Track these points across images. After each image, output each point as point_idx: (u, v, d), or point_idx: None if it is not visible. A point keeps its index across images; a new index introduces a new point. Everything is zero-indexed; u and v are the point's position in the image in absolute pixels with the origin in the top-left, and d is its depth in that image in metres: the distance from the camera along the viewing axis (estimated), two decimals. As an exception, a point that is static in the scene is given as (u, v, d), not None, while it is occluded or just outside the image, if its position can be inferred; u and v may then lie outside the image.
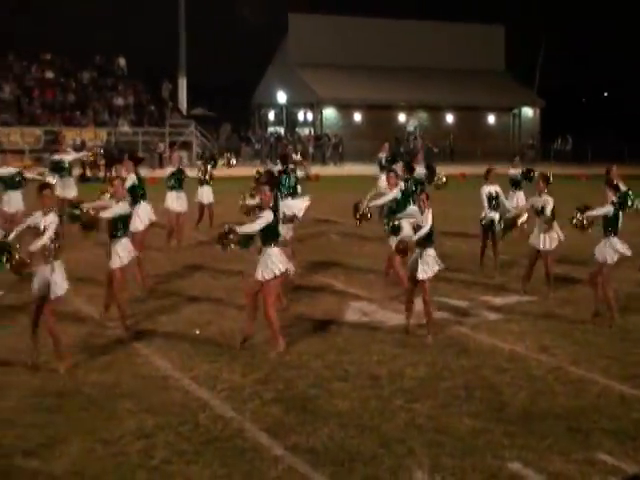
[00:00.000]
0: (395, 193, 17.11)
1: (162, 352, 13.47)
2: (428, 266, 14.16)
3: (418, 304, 14.71)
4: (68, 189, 23.44)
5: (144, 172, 20.25)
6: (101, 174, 41.43)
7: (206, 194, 24.62)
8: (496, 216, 18.85)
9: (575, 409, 11.30)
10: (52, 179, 21.85)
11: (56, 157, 24.31)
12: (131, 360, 13.13)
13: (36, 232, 12.23)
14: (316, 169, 23.80)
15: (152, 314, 15.65)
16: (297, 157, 15.46)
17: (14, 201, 20.78)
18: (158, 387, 11.94)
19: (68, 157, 24.28)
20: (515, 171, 24.44)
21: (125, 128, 52.51)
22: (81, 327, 14.49)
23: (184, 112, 56.61)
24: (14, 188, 20.73)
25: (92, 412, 10.99)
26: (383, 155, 28.31)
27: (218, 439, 10.21)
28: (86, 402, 11.32)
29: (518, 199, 23.29)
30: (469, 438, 10.26)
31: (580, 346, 14.20)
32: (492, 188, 19.19)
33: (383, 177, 24.27)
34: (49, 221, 12.23)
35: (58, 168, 23.70)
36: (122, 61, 59.39)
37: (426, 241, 14.19)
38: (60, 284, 12.35)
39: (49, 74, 57.15)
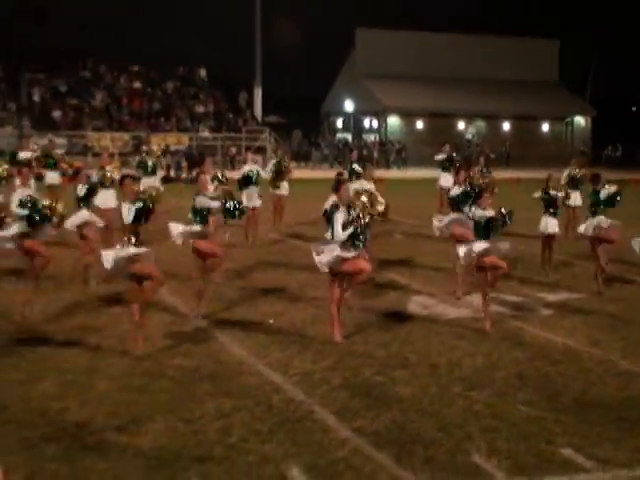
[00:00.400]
0: (458, 190, 16.92)
1: (239, 340, 13.56)
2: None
3: (477, 298, 14.65)
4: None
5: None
6: (183, 175, 41.93)
7: (284, 188, 24.38)
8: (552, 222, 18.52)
9: (624, 400, 11.18)
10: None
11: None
12: (210, 347, 13.24)
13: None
14: (381, 173, 23.77)
15: (230, 305, 15.75)
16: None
17: (108, 199, 20.76)
18: (235, 372, 12.03)
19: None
20: (574, 171, 24.13)
21: (205, 134, 52.83)
22: (165, 316, 14.62)
23: (259, 119, 56.79)
24: (106, 187, 20.77)
25: (175, 393, 11.11)
26: (442, 156, 27.70)
27: (290, 420, 10.26)
28: (169, 384, 11.45)
29: (575, 199, 23.05)
30: (523, 424, 10.19)
31: (628, 341, 14.03)
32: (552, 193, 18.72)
33: (443, 176, 24.16)
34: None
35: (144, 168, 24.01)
36: (203, 72, 59.80)
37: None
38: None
39: (137, 84, 57.72)
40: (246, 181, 22.16)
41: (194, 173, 41.61)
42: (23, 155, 22.36)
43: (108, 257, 12.46)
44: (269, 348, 13.11)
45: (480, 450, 9.43)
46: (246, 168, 22.70)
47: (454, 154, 28.68)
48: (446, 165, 26.40)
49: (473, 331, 14.34)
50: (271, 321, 14.63)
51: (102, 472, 8.76)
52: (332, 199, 14.76)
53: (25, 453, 9.03)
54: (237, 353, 12.90)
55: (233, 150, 50.34)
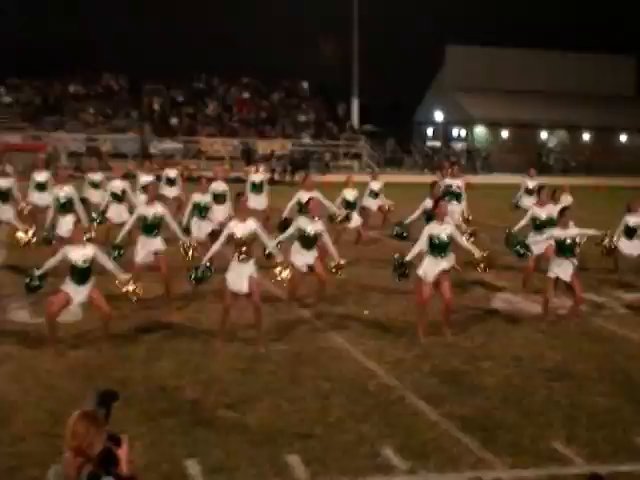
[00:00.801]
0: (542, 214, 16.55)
1: (338, 329, 13.61)
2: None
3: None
4: (260, 200, 22.85)
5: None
6: (288, 178, 42.16)
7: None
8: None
9: (698, 393, 10.96)
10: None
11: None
12: (312, 334, 13.34)
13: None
14: (468, 178, 23.62)
15: (330, 297, 15.77)
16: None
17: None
18: (334, 358, 12.08)
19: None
20: None
21: (307, 140, 53.06)
22: (271, 306, 14.74)
23: (356, 128, 56.82)
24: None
25: (279, 375, 11.21)
26: (529, 182, 26.00)
27: (383, 404, 10.28)
28: (275, 367, 11.56)
29: None
30: (601, 414, 10.04)
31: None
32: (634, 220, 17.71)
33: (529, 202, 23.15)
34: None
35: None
36: (305, 84, 60.12)
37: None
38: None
39: (246, 94, 58.25)
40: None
41: (296, 176, 42.06)
42: (144, 179, 21.85)
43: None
44: (364, 337, 13.15)
45: (560, 437, 9.33)
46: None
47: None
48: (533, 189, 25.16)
49: (554, 326, 14.14)
50: (366, 312, 14.65)
51: (213, 445, 8.89)
52: (427, 203, 14.71)
53: (146, 425, 9.22)
54: (336, 341, 12.96)
55: (327, 156, 50.49)
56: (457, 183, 20.27)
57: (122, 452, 5.09)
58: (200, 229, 17.40)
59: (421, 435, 9.35)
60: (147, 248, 14.56)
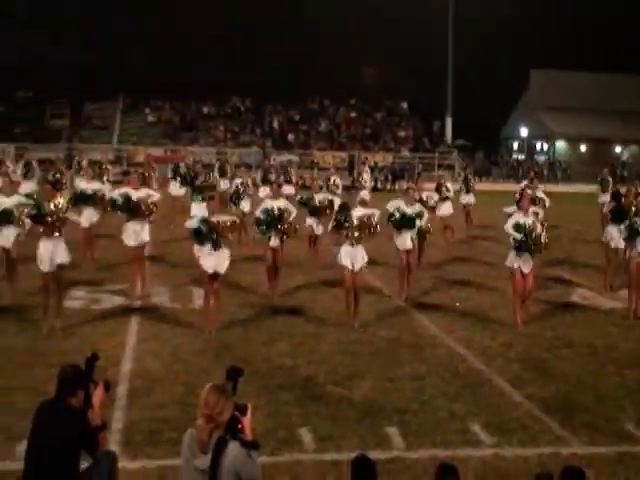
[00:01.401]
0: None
1: (432, 318, 13.47)
2: None
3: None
4: None
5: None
6: (389, 186, 42.03)
7: (468, 199, 23.76)
8: None
9: None
10: None
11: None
12: (409, 322, 13.24)
13: None
14: (550, 187, 23.11)
15: (426, 290, 15.67)
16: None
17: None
18: (428, 344, 11.97)
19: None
20: None
21: (405, 153, 52.79)
22: (372, 297, 14.69)
23: (449, 142, 56.30)
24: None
25: (381, 358, 11.16)
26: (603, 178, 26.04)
27: (472, 385, 10.14)
28: (376, 350, 11.52)
29: None
30: (672, 400, 9.73)
31: None
32: None
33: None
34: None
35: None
36: (404, 104, 59.85)
37: None
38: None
39: (352, 114, 58.28)
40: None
41: (397, 185, 41.91)
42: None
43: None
44: (456, 326, 12.99)
45: (631, 420, 9.07)
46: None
47: (609, 177, 26.93)
48: (604, 185, 24.90)
49: (626, 320, 13.71)
50: (458, 304, 14.48)
51: (323, 416, 8.92)
52: (512, 208, 14.44)
53: (266, 397, 9.31)
54: (430, 329, 12.84)
55: (420, 167, 50.09)
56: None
57: (246, 420, 5.14)
58: None
59: (506, 414, 9.20)
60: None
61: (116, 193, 14.60)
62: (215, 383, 5.19)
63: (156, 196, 14.57)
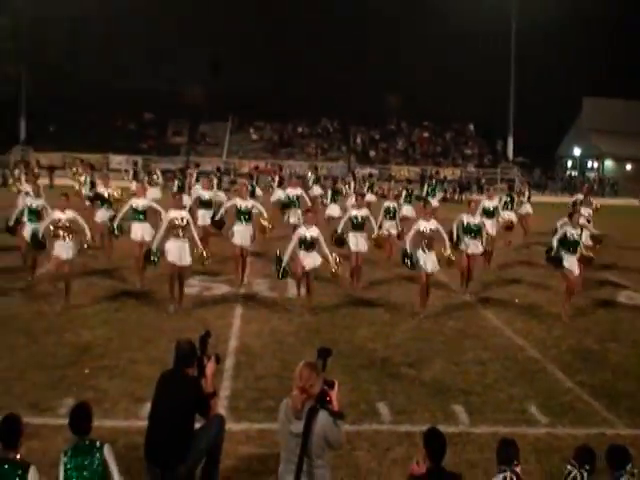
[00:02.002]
0: None
1: (494, 312, 13.19)
2: None
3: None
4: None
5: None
6: (456, 197, 41.43)
7: (525, 209, 22.98)
8: None
9: None
10: None
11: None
12: (474, 315, 13.01)
13: None
14: (598, 200, 22.45)
15: (489, 286, 15.35)
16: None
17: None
18: (490, 334, 11.75)
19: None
20: None
21: (471, 169, 52.03)
22: (441, 291, 14.49)
23: (510, 159, 55.24)
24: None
25: (449, 345, 11.01)
26: None
27: (529, 372, 9.92)
28: (445, 338, 11.36)
29: None
30: None
31: None
32: None
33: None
34: None
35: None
36: (471, 126, 59.01)
37: None
38: None
39: (425, 134, 57.81)
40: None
41: (463, 196, 41.35)
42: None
43: None
44: (515, 319, 12.70)
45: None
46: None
47: None
48: None
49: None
50: (517, 300, 14.17)
51: (398, 393, 8.87)
52: (564, 220, 14.06)
53: (348, 375, 9.28)
54: (492, 321, 12.60)
55: (483, 180, 49.18)
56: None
57: (333, 393, 5.13)
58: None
59: (558, 398, 8.98)
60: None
61: (229, 204, 14.96)
62: (308, 360, 5.19)
63: (261, 209, 14.75)
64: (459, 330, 11.84)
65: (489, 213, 16.90)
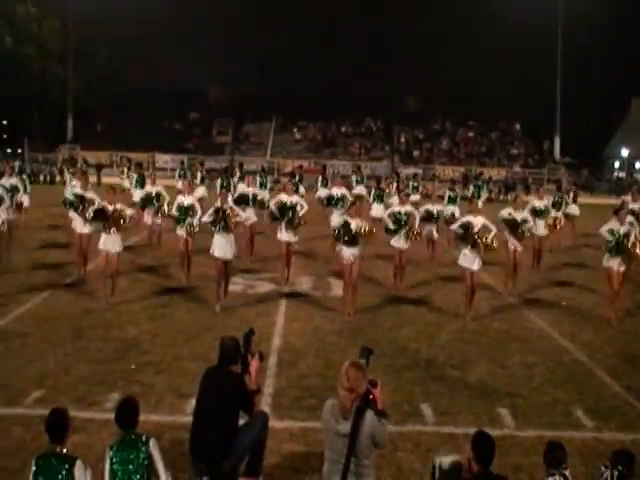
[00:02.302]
0: None
1: (540, 314, 12.99)
2: None
3: None
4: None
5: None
6: (502, 197, 41.01)
7: (571, 210, 22.60)
8: None
9: None
10: None
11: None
12: (519, 317, 12.77)
13: None
14: None
15: (534, 289, 15.15)
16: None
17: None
18: (536, 336, 11.58)
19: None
20: None
21: (517, 169, 51.40)
22: (486, 292, 14.25)
23: (556, 159, 54.43)
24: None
25: (494, 346, 10.86)
26: None
27: (576, 375, 9.74)
28: (490, 340, 11.21)
29: None
30: None
31: None
32: None
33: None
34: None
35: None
36: (517, 126, 58.32)
37: None
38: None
39: (470, 134, 57.30)
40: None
41: (509, 196, 40.88)
42: None
43: None
44: (561, 322, 12.49)
45: None
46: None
47: None
48: None
49: None
50: (564, 303, 13.94)
51: (442, 394, 8.79)
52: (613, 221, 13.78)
53: (392, 375, 9.23)
54: (538, 323, 12.40)
55: (529, 180, 48.56)
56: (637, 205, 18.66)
57: (377, 392, 5.11)
58: None
59: (605, 402, 8.81)
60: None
61: (273, 201, 14.80)
62: (353, 360, 5.17)
63: (304, 206, 14.59)
64: (504, 332, 11.68)
65: (539, 213, 16.70)
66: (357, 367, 5.04)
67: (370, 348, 5.43)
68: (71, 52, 52.29)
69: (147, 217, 17.09)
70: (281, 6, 59.03)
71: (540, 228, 16.70)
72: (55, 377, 8.82)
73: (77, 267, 14.30)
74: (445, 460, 5.14)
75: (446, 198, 19.51)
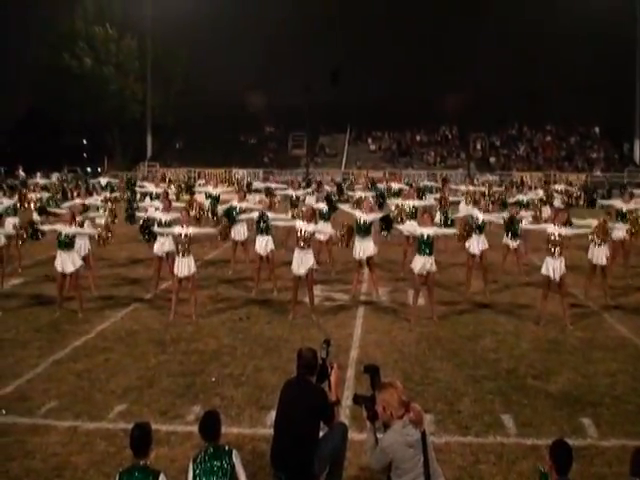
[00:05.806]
0: None
1: (621, 321, 12.57)
2: None
3: None
4: None
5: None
6: (581, 203, 39.83)
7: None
8: None
9: None
10: None
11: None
12: (601, 324, 12.44)
13: None
14: None
15: (617, 295, 14.60)
16: None
17: None
18: (618, 344, 11.18)
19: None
20: None
21: (597, 173, 50.03)
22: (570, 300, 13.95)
23: (638, 163, 52.74)
24: None
25: (576, 356, 10.58)
26: None
27: (663, 384, 9.44)
28: (572, 349, 10.91)
29: None
30: None
31: None
32: None
33: None
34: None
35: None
36: (597, 129, 56.78)
37: None
38: None
39: (548, 138, 56.18)
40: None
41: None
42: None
43: None
44: (647, 328, 12.12)
45: None
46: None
47: None
48: None
49: None
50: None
51: (523, 405, 8.65)
52: None
53: (472, 386, 9.18)
54: (620, 330, 12.03)
55: (606, 184, 47.08)
56: None
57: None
58: None
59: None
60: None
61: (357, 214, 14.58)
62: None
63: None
64: (586, 341, 11.38)
65: (624, 216, 16.25)
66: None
67: (375, 366, 6.07)
68: (149, 70, 53.87)
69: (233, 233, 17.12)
70: (354, 16, 59.29)
71: (622, 231, 16.22)
72: (138, 391, 9.07)
73: (153, 286, 14.68)
74: None
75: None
